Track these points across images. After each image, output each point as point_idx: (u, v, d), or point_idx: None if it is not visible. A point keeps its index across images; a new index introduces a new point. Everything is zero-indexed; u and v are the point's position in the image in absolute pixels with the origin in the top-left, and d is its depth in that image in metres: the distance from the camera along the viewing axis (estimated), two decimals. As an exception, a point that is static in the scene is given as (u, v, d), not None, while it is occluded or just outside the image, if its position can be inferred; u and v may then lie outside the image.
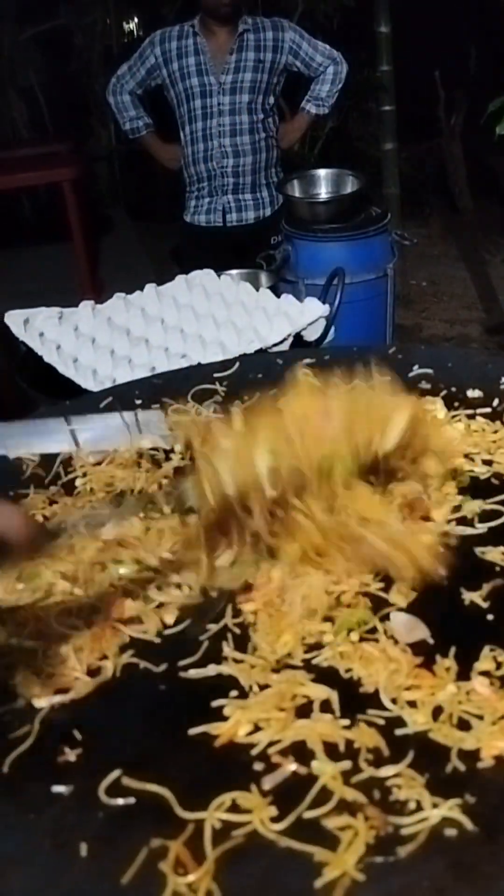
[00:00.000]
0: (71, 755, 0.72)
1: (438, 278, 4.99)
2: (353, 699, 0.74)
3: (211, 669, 0.78)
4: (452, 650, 0.77)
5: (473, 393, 1.19)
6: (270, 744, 0.70)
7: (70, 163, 4.56)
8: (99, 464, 1.10)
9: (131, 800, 0.67)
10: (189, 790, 0.67)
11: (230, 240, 3.18)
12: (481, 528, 0.94)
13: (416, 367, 1.24)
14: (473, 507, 0.96)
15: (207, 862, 0.62)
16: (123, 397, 1.21)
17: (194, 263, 1.77)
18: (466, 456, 1.06)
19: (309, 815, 0.64)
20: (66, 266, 4.44)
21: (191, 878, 0.61)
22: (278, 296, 1.61)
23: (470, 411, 1.15)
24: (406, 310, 4.45)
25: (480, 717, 0.71)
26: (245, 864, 0.62)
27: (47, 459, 1.11)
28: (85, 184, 4.72)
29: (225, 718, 0.73)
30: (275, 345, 1.45)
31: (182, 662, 0.80)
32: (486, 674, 0.75)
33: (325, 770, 0.68)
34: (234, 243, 3.13)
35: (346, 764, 0.68)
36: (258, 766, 0.69)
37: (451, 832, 0.62)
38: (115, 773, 0.69)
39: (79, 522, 0.86)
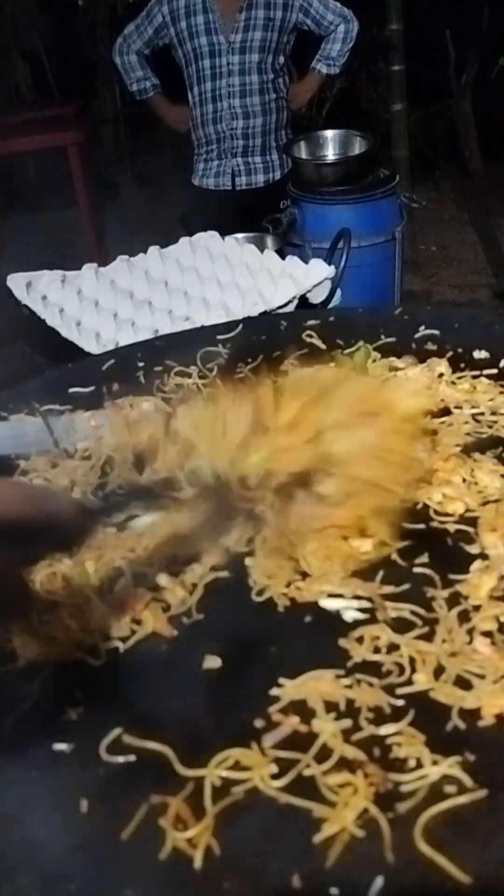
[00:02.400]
0: (72, 714, 0.72)
1: (448, 243, 4.93)
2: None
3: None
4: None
5: (480, 354, 1.17)
6: (272, 700, 0.70)
7: (75, 126, 4.50)
8: (100, 427, 1.10)
9: (132, 757, 0.67)
10: (189, 748, 0.67)
11: (239, 204, 3.14)
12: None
13: (422, 328, 1.23)
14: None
15: (207, 818, 0.62)
16: (126, 360, 1.20)
17: (202, 228, 1.75)
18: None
19: (309, 772, 0.65)
20: (71, 231, 4.40)
21: (190, 833, 0.61)
22: (284, 259, 1.59)
23: (476, 372, 1.14)
24: (415, 275, 4.41)
25: (482, 677, 0.71)
26: (244, 820, 0.62)
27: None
28: (90, 148, 4.66)
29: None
30: (279, 307, 1.43)
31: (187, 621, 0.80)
32: (487, 634, 0.75)
33: (326, 728, 0.68)
34: (244, 207, 3.09)
35: (347, 722, 0.68)
36: (259, 724, 0.69)
37: (450, 789, 0.62)
38: (116, 732, 0.69)
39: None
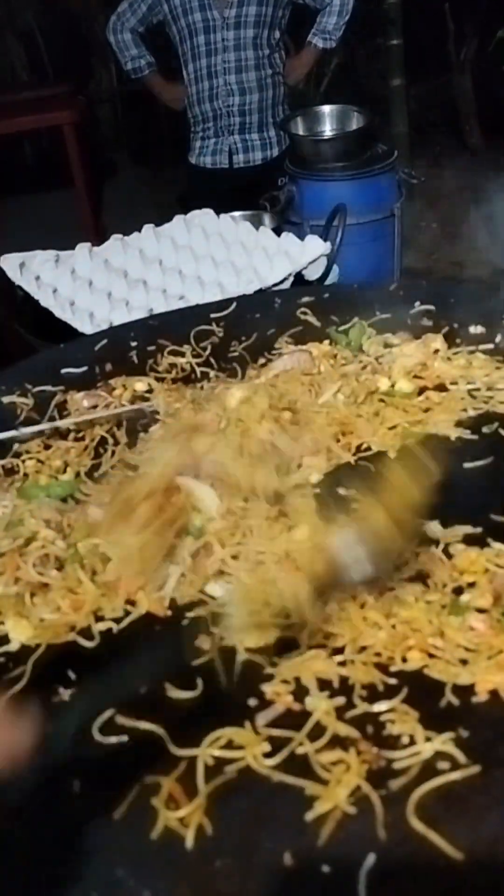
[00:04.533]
0: (65, 695, 0.72)
1: (448, 219, 4.88)
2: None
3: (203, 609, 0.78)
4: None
5: (475, 329, 1.16)
6: (265, 678, 0.70)
7: (71, 106, 4.44)
8: (94, 407, 1.09)
9: (124, 738, 0.67)
10: (182, 728, 0.67)
11: (237, 182, 3.10)
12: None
13: (417, 303, 1.21)
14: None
15: (199, 797, 0.62)
16: (119, 340, 1.19)
17: (200, 207, 1.73)
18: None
19: (302, 750, 0.64)
20: (68, 212, 4.37)
21: (182, 812, 0.61)
22: (280, 236, 1.58)
23: (471, 347, 1.12)
24: (415, 252, 4.36)
25: (476, 653, 0.70)
26: (237, 799, 0.62)
27: (41, 402, 1.10)
28: (87, 127, 4.61)
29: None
30: (275, 285, 1.42)
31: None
32: (482, 610, 0.74)
33: (319, 706, 0.67)
34: (242, 185, 3.05)
35: (340, 700, 0.68)
36: (252, 703, 0.69)
37: (444, 765, 0.62)
38: (109, 712, 0.69)
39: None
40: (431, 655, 0.70)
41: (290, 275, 1.43)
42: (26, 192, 4.71)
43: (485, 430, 0.98)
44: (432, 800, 0.60)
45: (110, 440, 1.03)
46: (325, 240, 1.52)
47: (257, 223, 1.76)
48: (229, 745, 0.65)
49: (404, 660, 0.71)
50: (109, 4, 4.40)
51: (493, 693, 0.67)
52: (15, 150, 5.29)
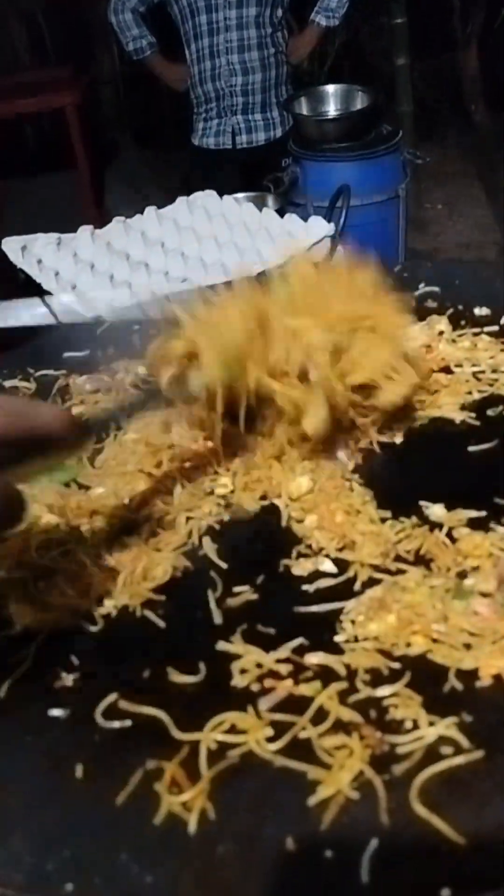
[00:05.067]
0: (68, 679, 0.71)
1: (454, 200, 4.85)
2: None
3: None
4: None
5: (481, 311, 1.15)
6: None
7: (72, 87, 4.41)
8: (96, 391, 1.08)
9: (127, 722, 0.67)
10: (185, 712, 0.67)
11: (241, 163, 3.09)
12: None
13: (421, 285, 1.20)
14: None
15: (202, 781, 0.62)
16: (119, 323, 1.18)
17: (203, 189, 1.71)
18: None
19: (304, 735, 0.64)
20: (71, 195, 4.34)
21: (185, 796, 0.61)
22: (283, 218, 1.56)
23: (477, 329, 1.11)
24: (420, 233, 4.34)
25: (480, 637, 0.70)
26: (240, 784, 0.62)
27: (43, 386, 1.09)
28: (89, 109, 4.58)
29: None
30: (278, 266, 1.40)
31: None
32: (486, 595, 0.74)
33: (322, 690, 0.67)
34: (245, 167, 3.04)
35: (343, 684, 0.67)
36: (255, 688, 0.68)
37: (447, 750, 0.61)
38: (112, 697, 0.69)
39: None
40: (435, 640, 0.70)
41: (293, 256, 1.42)
42: (28, 174, 4.68)
43: (489, 412, 0.98)
44: (435, 785, 0.59)
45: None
46: (328, 221, 1.50)
47: (260, 205, 1.74)
48: (232, 730, 0.65)
49: (408, 644, 0.70)
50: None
51: (497, 677, 0.66)
52: (16, 132, 5.25)
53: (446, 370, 1.05)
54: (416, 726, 0.63)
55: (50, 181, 4.45)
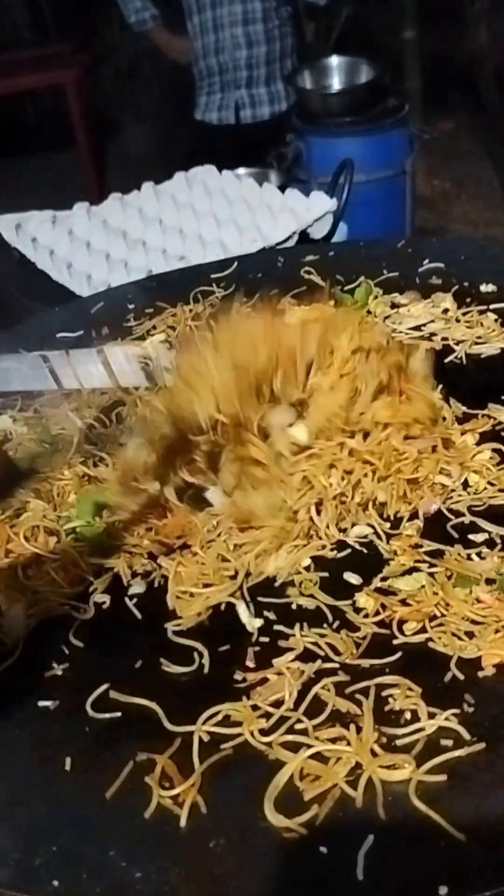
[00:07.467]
0: (58, 669, 0.70)
1: (462, 178, 4.77)
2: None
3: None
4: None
5: (487, 287, 1.12)
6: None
7: (73, 64, 4.36)
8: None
9: (118, 714, 0.65)
10: (178, 703, 0.65)
11: (244, 139, 3.03)
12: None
13: (426, 261, 1.17)
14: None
15: (194, 775, 0.60)
16: (116, 302, 1.16)
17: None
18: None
19: (301, 726, 0.62)
20: (71, 172, 4.29)
21: (176, 790, 0.59)
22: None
23: (482, 307, 1.08)
24: (428, 211, 4.27)
25: (483, 625, 0.67)
26: (233, 777, 0.60)
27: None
28: (90, 86, 4.52)
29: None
30: (279, 243, 1.38)
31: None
32: (491, 581, 0.71)
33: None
34: (248, 142, 2.98)
35: (342, 676, 0.65)
36: (249, 678, 0.66)
37: (447, 742, 0.59)
38: (103, 687, 0.67)
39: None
40: (436, 628, 0.68)
41: (294, 233, 1.39)
42: (28, 152, 4.63)
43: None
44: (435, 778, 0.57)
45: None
46: (331, 196, 1.47)
47: (262, 180, 1.71)
48: (226, 722, 0.63)
49: (406, 632, 0.68)
50: (112, -43, 4.29)
51: (500, 667, 0.64)
52: (16, 109, 5.19)
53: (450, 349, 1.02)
54: (415, 718, 0.61)
55: (50, 159, 4.41)
